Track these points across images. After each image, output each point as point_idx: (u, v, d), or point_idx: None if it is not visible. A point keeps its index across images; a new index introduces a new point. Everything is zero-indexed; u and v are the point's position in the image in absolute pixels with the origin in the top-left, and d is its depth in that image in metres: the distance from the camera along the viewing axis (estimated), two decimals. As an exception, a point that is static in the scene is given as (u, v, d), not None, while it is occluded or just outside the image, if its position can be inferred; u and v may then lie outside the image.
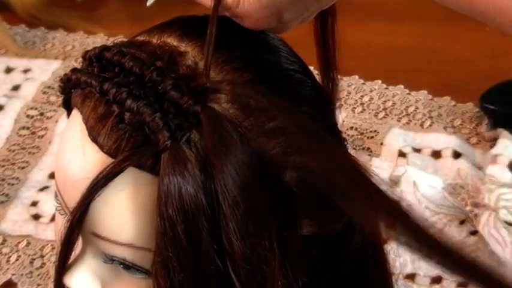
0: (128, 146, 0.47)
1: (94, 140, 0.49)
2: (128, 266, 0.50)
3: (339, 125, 0.57)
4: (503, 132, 1.03)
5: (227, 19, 0.53)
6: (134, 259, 0.50)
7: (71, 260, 0.52)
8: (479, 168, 1.02)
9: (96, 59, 0.51)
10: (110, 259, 0.51)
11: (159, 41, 0.52)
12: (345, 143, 0.56)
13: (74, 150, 0.50)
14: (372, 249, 0.59)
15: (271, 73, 0.52)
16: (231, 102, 0.48)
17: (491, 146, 1.04)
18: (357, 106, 1.15)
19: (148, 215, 0.47)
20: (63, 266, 0.51)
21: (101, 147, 0.48)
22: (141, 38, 0.53)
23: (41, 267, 0.94)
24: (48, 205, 1.01)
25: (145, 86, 0.48)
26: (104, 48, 0.51)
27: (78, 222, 0.48)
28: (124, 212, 0.48)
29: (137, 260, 0.50)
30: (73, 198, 0.49)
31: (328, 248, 0.54)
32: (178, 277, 0.46)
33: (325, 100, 0.55)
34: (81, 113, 0.50)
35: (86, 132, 0.49)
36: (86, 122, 0.50)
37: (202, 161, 0.46)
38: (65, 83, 0.53)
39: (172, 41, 0.52)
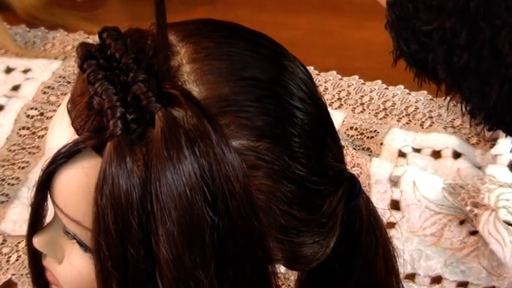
0: (90, 128, 0.48)
1: (69, 112, 0.50)
2: (80, 242, 0.51)
3: (338, 126, 0.57)
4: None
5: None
6: (83, 237, 0.50)
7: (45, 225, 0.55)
8: (479, 168, 1.02)
9: (99, 37, 0.52)
10: (66, 231, 0.53)
11: None
12: (341, 145, 0.56)
13: (58, 116, 0.51)
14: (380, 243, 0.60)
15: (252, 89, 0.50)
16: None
17: (491, 146, 1.04)
18: (357, 106, 1.15)
19: None
20: (32, 227, 0.55)
21: (72, 122, 0.49)
22: (152, 28, 0.53)
23: (41, 267, 0.94)
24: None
25: (121, 74, 0.48)
26: (104, 28, 0.51)
27: (41, 188, 0.50)
28: (77, 190, 0.49)
29: (85, 239, 0.50)
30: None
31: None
32: (108, 265, 0.46)
33: (322, 111, 0.55)
34: (76, 82, 0.51)
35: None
36: (73, 92, 0.51)
37: (148, 160, 0.45)
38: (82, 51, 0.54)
39: (173, 39, 0.51)
